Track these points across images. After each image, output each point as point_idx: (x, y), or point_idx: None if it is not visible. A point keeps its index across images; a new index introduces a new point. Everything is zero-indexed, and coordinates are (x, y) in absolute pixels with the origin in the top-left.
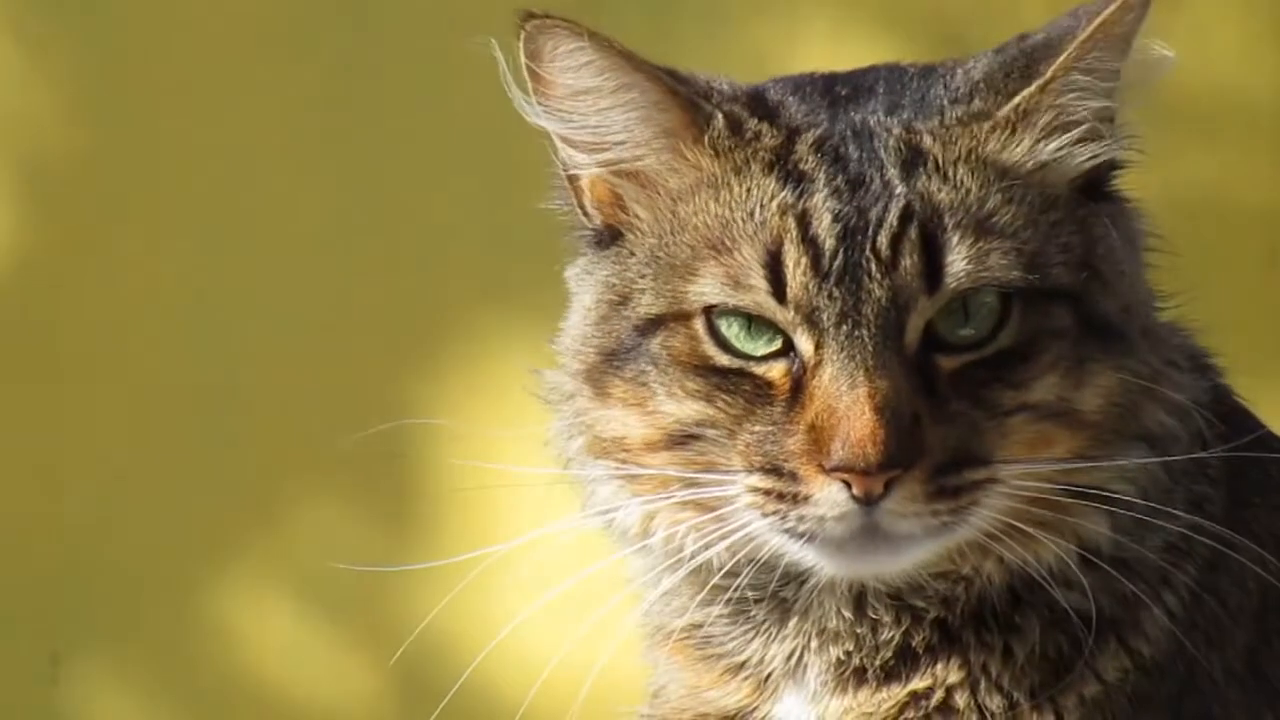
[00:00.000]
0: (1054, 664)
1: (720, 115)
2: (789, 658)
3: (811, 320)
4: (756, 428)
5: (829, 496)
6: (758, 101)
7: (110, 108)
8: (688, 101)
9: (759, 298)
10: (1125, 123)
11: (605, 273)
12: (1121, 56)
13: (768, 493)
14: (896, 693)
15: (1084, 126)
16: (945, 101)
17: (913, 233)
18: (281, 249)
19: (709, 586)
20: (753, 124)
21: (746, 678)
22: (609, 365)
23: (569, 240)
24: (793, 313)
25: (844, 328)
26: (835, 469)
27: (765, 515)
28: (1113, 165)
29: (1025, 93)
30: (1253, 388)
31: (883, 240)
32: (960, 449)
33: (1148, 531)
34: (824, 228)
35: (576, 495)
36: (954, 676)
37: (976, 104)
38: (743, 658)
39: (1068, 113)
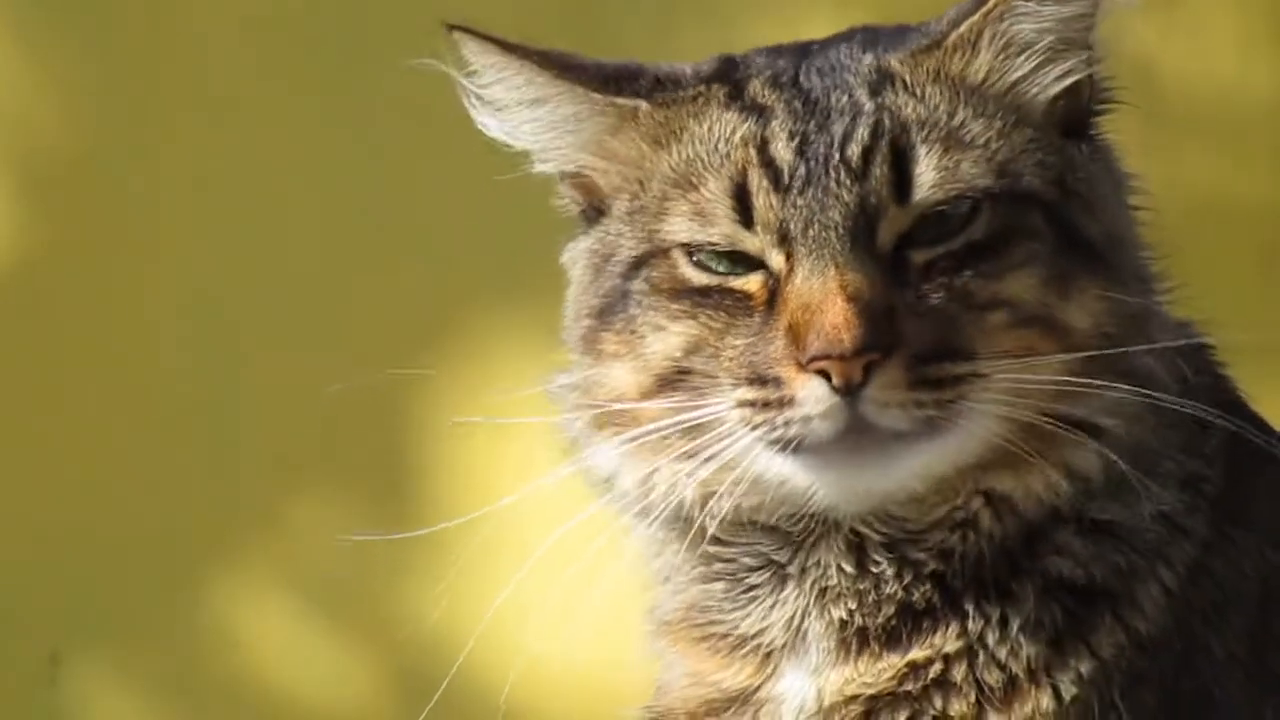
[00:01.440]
0: (1050, 637)
1: (644, 104)
2: (788, 625)
3: (781, 235)
4: (738, 340)
5: (811, 392)
6: (719, 67)
7: (110, 108)
8: (609, 105)
9: (726, 229)
10: (1098, 54)
11: (588, 243)
12: None
13: (754, 404)
14: (896, 662)
15: (1042, 47)
16: (916, 37)
17: (883, 145)
18: (281, 248)
19: (704, 554)
20: (692, 90)
21: (747, 654)
22: (600, 323)
23: (571, 227)
24: (762, 233)
25: (811, 231)
26: (813, 359)
27: (754, 428)
28: (1092, 105)
29: (971, 20)
30: (1250, 386)
31: (853, 151)
32: (940, 341)
33: (1139, 497)
34: (780, 146)
35: (575, 468)
36: (952, 646)
37: (934, 36)
38: (742, 630)
39: (1019, 37)
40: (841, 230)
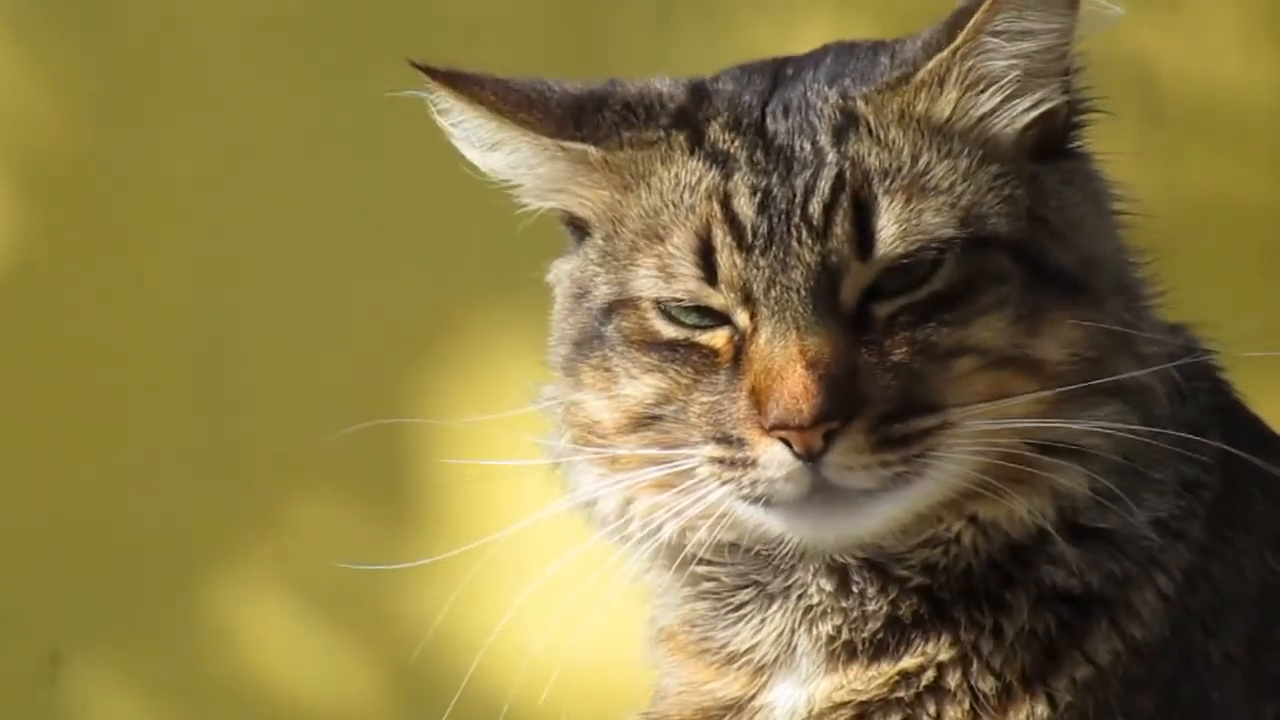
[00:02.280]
0: (1045, 645)
1: (592, 149)
2: (778, 640)
3: (745, 294)
4: (705, 398)
5: (773, 457)
6: (690, 96)
7: (110, 108)
8: (559, 149)
9: (690, 286)
10: (1078, 84)
11: (569, 268)
12: (1048, 15)
13: (721, 461)
14: (887, 670)
15: (1010, 80)
16: (885, 68)
17: (844, 201)
18: (281, 249)
19: (691, 575)
20: (650, 135)
21: (740, 667)
22: (578, 354)
23: (562, 240)
24: (725, 291)
25: (773, 293)
26: (773, 427)
27: (723, 484)
28: (1069, 124)
29: (939, 57)
30: (1250, 386)
31: (814, 208)
32: (907, 397)
33: (1133, 503)
34: (743, 203)
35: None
36: (945, 654)
37: (905, 68)
38: (734, 648)
39: (987, 72)
40: (803, 291)
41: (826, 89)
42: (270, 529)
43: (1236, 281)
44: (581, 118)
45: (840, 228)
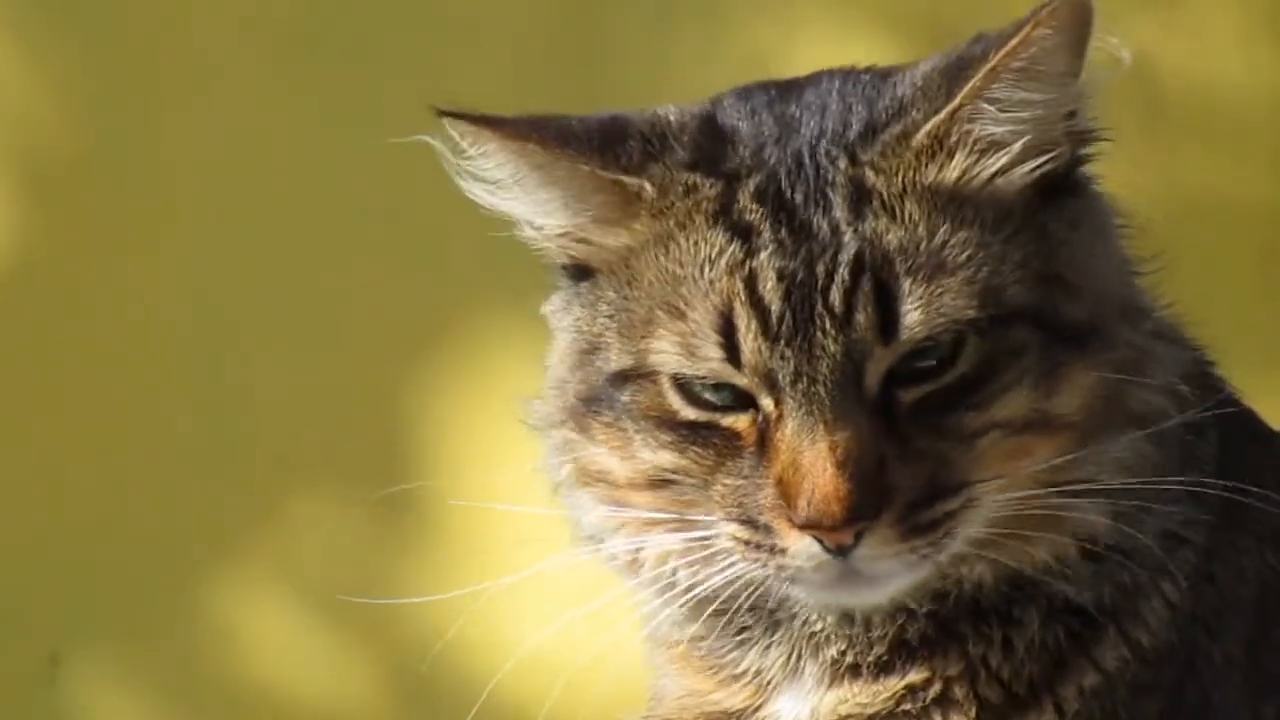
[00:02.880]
0: (1054, 655)
1: (648, 184)
2: (785, 663)
3: (769, 380)
4: (729, 480)
5: (803, 549)
6: (707, 131)
7: (110, 108)
8: (611, 182)
9: (714, 365)
10: (1083, 122)
11: (575, 316)
12: (1047, 86)
13: (746, 542)
14: (893, 685)
15: (1019, 143)
16: (885, 119)
17: (865, 285)
18: (282, 249)
19: (698, 603)
20: (685, 178)
21: (746, 684)
22: (588, 409)
23: (546, 274)
24: (750, 375)
25: (800, 385)
26: (804, 526)
27: (746, 560)
28: (1073, 162)
29: (936, 119)
30: (1250, 386)
31: (835, 296)
32: (931, 483)
33: (1145, 518)
34: (769, 288)
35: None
36: (953, 669)
37: (904, 125)
38: (741, 668)
39: (990, 136)
40: (830, 384)
41: (835, 150)
42: (270, 529)
43: (1236, 281)
44: (616, 149)
45: (862, 314)
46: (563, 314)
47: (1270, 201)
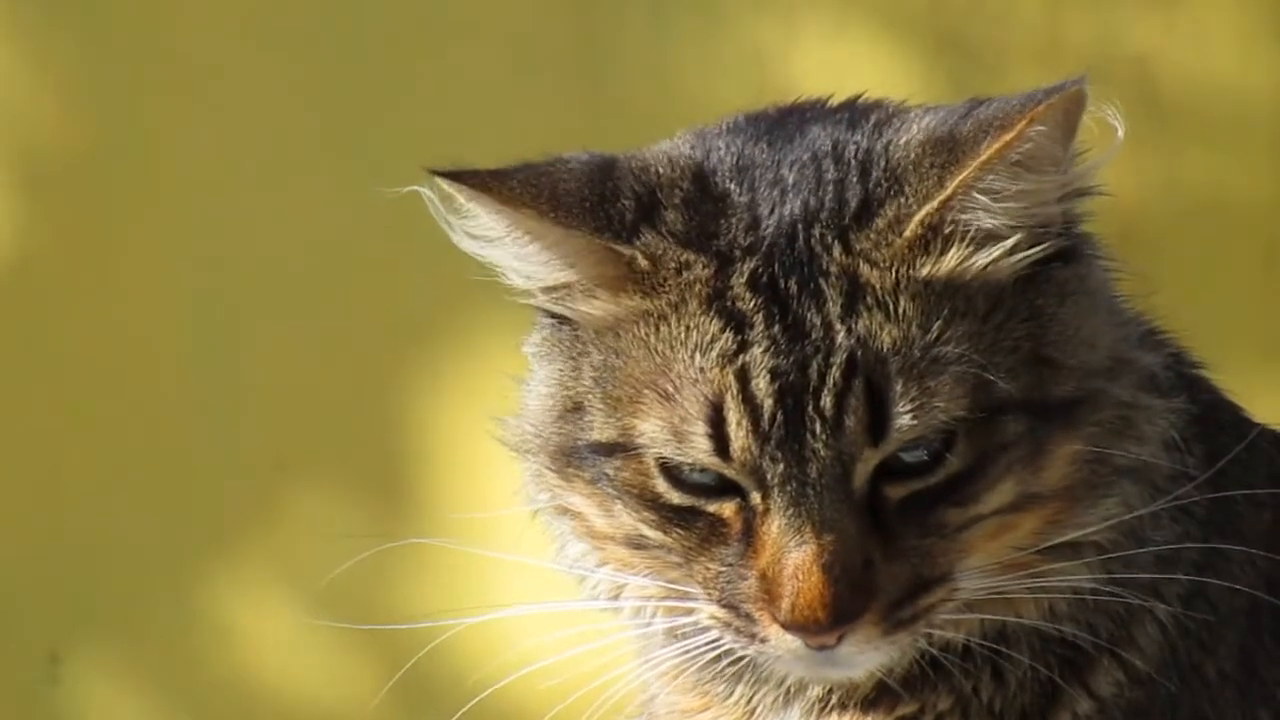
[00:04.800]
0: (1045, 685)
1: (640, 256)
2: (774, 700)
3: (757, 476)
4: (712, 565)
5: (784, 644)
6: (696, 193)
7: (110, 107)
8: (604, 249)
9: (701, 456)
10: (1075, 207)
11: (560, 365)
12: (1041, 176)
13: (727, 624)
14: (884, 718)
15: (1013, 236)
16: (878, 198)
17: (857, 387)
18: (282, 248)
19: (681, 651)
20: (678, 255)
21: (735, 709)
22: (569, 463)
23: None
24: (738, 468)
25: (789, 487)
26: (786, 627)
27: (726, 637)
28: (1064, 235)
29: (928, 208)
30: (1249, 386)
31: (826, 400)
32: (915, 579)
33: (1136, 554)
34: (762, 388)
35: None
36: (944, 704)
37: (896, 210)
38: (731, 700)
39: (984, 227)
40: (818, 487)
41: (829, 235)
42: (270, 529)
43: (1236, 281)
44: (609, 210)
45: (853, 417)
46: (544, 359)
47: (1270, 201)
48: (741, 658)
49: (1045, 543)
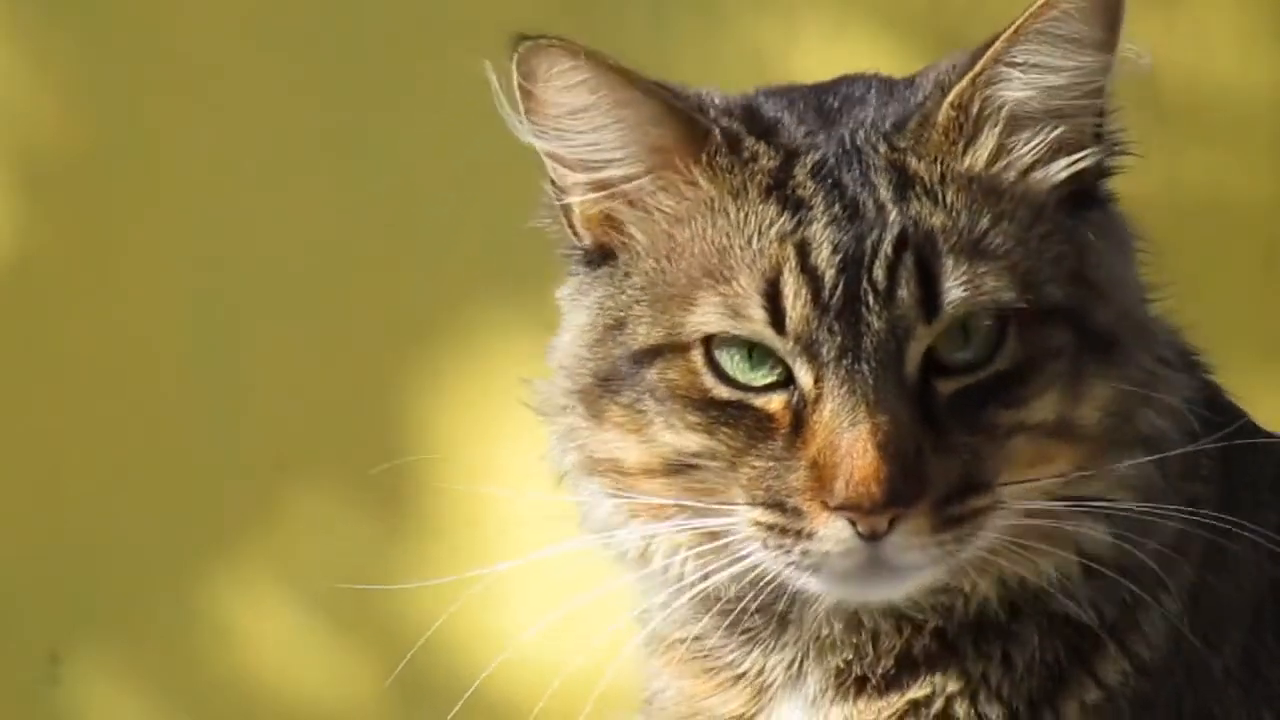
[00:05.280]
0: (1053, 670)
1: (718, 131)
2: (789, 667)
3: (811, 352)
4: (758, 462)
5: (834, 533)
6: (753, 117)
7: (110, 107)
8: (684, 117)
9: (758, 328)
10: (1111, 128)
11: (599, 294)
12: (1074, 52)
13: (770, 527)
14: (895, 701)
15: (1047, 125)
16: (916, 104)
17: (908, 260)
18: (281, 248)
19: (705, 599)
20: (749, 143)
21: (745, 687)
22: (604, 389)
23: (560, 260)
24: (792, 343)
25: (844, 362)
26: (839, 507)
27: (768, 548)
28: (1099, 172)
29: (960, 85)
30: (1250, 385)
31: (879, 271)
32: (964, 477)
33: (1146, 535)
34: (824, 259)
35: (574, 507)
36: (953, 686)
37: (932, 102)
38: (742, 669)
39: (1015, 100)
40: (874, 363)
41: (875, 138)
42: (270, 529)
43: (1236, 281)
44: (688, 97)
45: (905, 289)
46: (580, 297)
47: (1271, 200)
48: (763, 613)
49: (1070, 494)
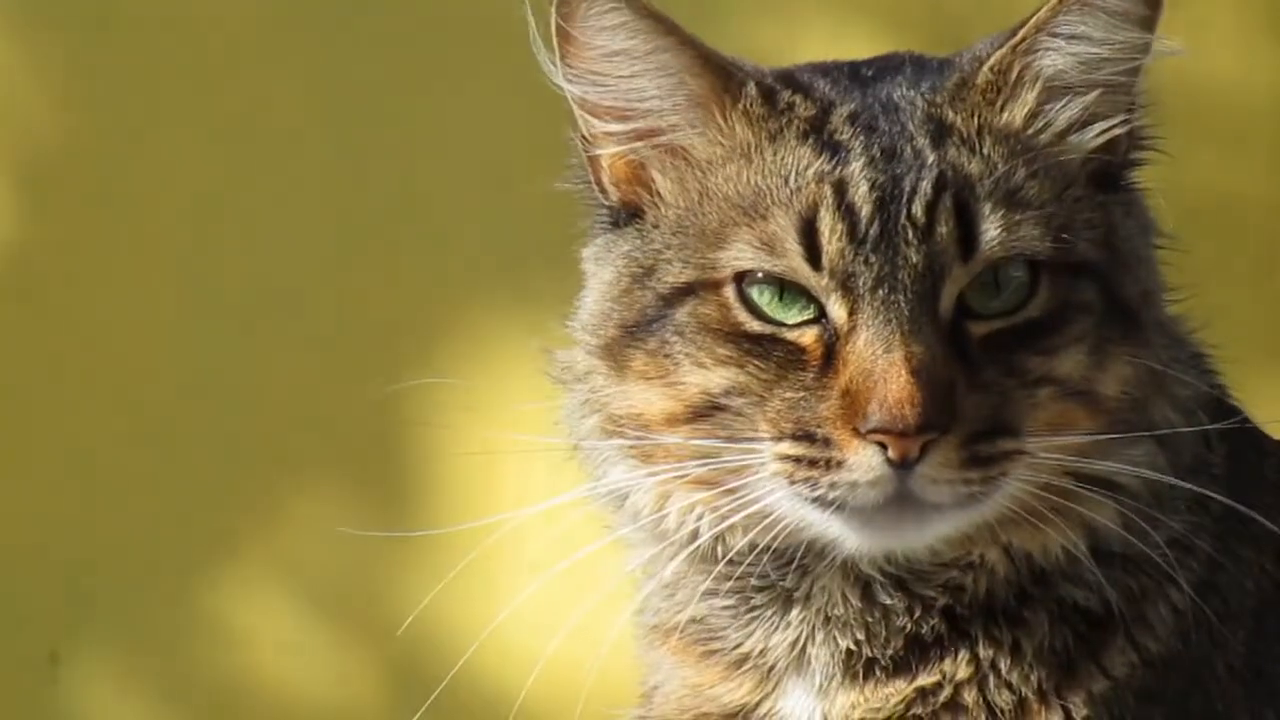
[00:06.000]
0: (1061, 660)
1: (753, 83)
2: (791, 647)
3: (846, 286)
4: (788, 394)
5: (864, 460)
6: (788, 76)
7: (108, 104)
8: (720, 68)
9: (793, 262)
10: (1143, 119)
11: (627, 247)
12: (1114, 26)
13: (798, 459)
14: (903, 688)
15: (1080, 92)
16: (954, 72)
17: (947, 200)
18: (280, 246)
19: (714, 574)
20: (786, 95)
21: (748, 671)
22: (630, 338)
23: (585, 221)
24: (827, 279)
25: (880, 292)
26: (872, 431)
27: (793, 483)
28: (1129, 158)
29: (1000, 52)
30: (1251, 385)
31: (918, 208)
32: (993, 417)
33: (1153, 527)
34: (861, 195)
35: (585, 476)
36: (962, 672)
37: (972, 68)
38: (745, 649)
39: (1053, 68)
40: (910, 294)
41: (912, 93)
42: (271, 528)
43: (1236, 281)
44: (723, 56)
45: (944, 227)
46: (606, 253)
47: (1270, 201)
48: (769, 591)
49: (1082, 471)
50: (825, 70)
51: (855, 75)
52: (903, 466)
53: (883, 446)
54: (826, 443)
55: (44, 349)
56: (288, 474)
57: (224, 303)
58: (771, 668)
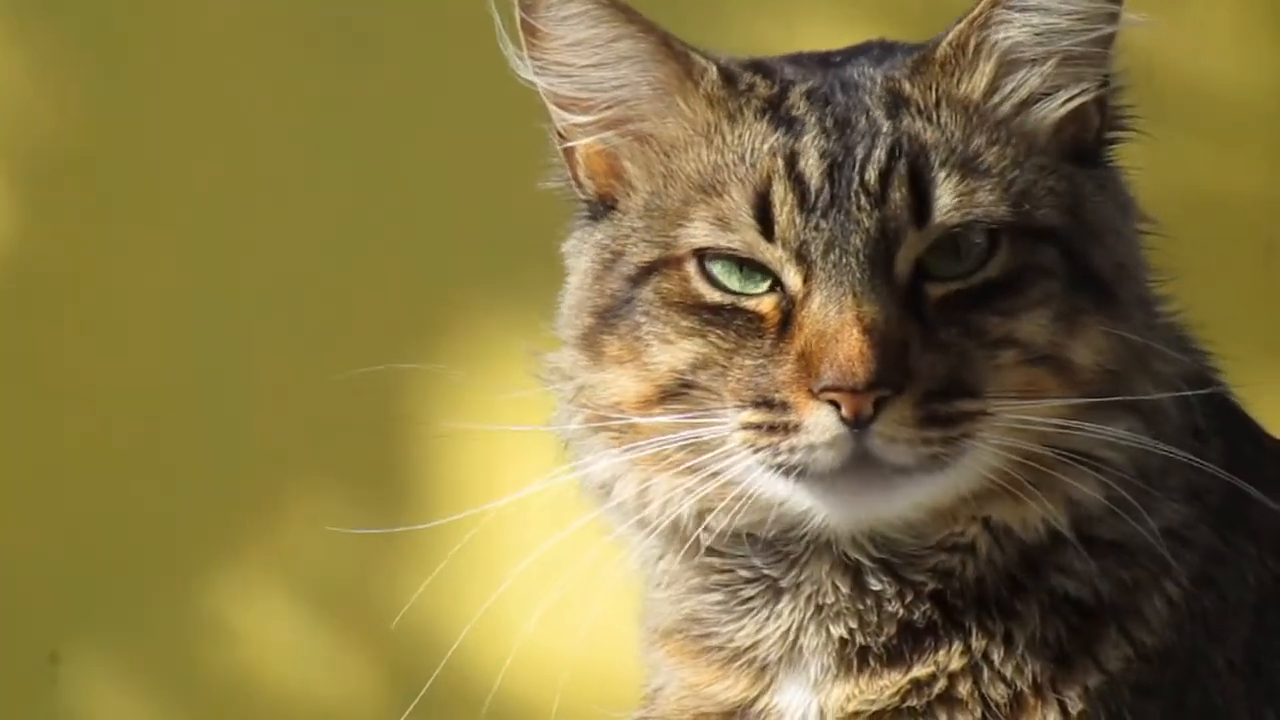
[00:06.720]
0: (1055, 653)
1: (714, 67)
2: (784, 639)
3: (800, 254)
4: (747, 362)
5: (818, 421)
6: (754, 62)
7: (109, 106)
8: (682, 53)
9: (748, 236)
10: (1115, 83)
11: (600, 236)
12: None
13: (759, 427)
14: (898, 680)
15: (1042, 62)
16: (917, 52)
17: (901, 167)
18: (281, 246)
19: (701, 566)
20: (747, 77)
21: (742, 666)
22: (603, 324)
23: (568, 217)
24: (780, 249)
25: (831, 256)
26: (824, 389)
27: (757, 450)
28: (1103, 135)
29: (957, 28)
30: (1249, 383)
31: (871, 174)
32: (951, 378)
33: (1145, 513)
34: (810, 164)
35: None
36: (955, 663)
37: (930, 47)
38: (737, 644)
39: (1015, 49)
40: (862, 257)
41: (873, 70)
42: (270, 528)
43: (1236, 280)
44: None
45: (897, 193)
46: (582, 244)
47: (1270, 201)
48: (758, 583)
49: (1060, 443)
50: (795, 59)
51: (824, 61)
52: (856, 425)
53: (836, 405)
54: (784, 407)
55: (44, 349)
56: (287, 473)
57: (223, 303)
58: (766, 663)
